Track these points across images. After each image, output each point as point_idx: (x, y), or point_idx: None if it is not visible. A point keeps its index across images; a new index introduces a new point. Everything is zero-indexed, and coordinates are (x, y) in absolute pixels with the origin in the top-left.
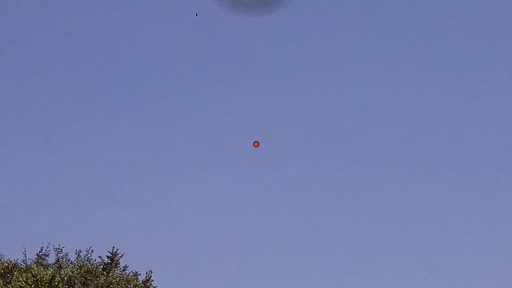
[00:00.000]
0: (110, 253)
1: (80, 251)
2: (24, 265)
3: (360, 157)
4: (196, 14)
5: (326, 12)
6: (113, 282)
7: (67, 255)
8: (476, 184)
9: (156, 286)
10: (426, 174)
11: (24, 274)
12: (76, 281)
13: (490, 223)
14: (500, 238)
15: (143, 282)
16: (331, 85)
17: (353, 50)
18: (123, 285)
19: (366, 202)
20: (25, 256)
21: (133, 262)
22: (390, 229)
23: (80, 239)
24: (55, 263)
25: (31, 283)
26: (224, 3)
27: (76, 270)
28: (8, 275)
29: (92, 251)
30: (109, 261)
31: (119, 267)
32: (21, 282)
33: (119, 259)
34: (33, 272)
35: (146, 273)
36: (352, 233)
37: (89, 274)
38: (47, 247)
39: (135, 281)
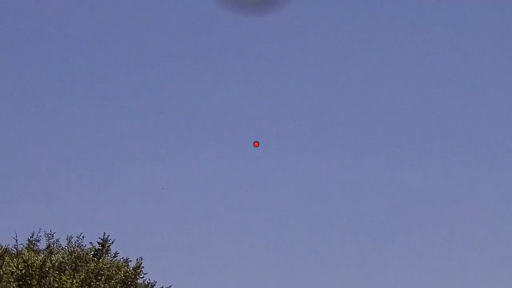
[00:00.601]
0: (101, 239)
1: (71, 237)
2: (15, 250)
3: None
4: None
5: (326, 12)
6: (104, 268)
7: (58, 241)
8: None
9: (147, 273)
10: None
11: (15, 259)
12: (67, 266)
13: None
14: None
15: (134, 269)
16: (331, 85)
17: (352, 49)
18: (114, 271)
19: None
20: (16, 241)
21: (124, 249)
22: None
23: (72, 225)
24: (46, 248)
25: (21, 268)
26: (223, 3)
27: (67, 256)
28: None
29: (83, 237)
30: (99, 247)
31: (109, 253)
32: (12, 267)
33: (109, 245)
34: (24, 257)
35: (137, 259)
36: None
37: (79, 260)
38: (38, 232)
39: (126, 267)
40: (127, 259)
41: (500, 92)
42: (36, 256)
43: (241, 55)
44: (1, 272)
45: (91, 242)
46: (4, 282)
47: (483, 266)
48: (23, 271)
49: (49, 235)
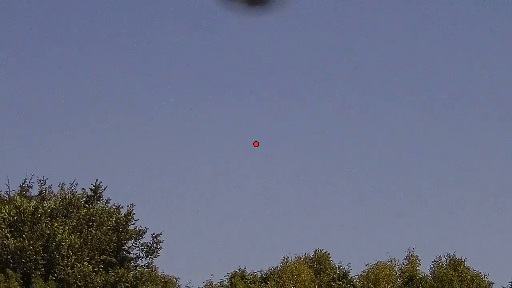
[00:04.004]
0: (93, 186)
1: (63, 184)
2: (7, 196)
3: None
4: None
5: (326, 11)
6: (95, 215)
7: (50, 187)
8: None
9: (138, 219)
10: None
11: (7, 205)
12: (58, 213)
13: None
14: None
15: (125, 215)
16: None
17: (351, 49)
18: (105, 217)
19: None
20: (8, 187)
21: (115, 196)
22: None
23: (64, 171)
24: (38, 195)
25: (13, 214)
26: (223, 3)
27: (59, 202)
28: None
29: (76, 184)
30: (91, 194)
31: (101, 200)
32: (4, 214)
33: (102, 192)
34: (16, 203)
35: (128, 206)
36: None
37: (71, 206)
38: (31, 179)
39: (117, 214)
40: (118, 205)
41: None
42: (28, 203)
43: (241, 55)
44: None
45: (83, 189)
46: None
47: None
48: (15, 217)
49: (42, 182)
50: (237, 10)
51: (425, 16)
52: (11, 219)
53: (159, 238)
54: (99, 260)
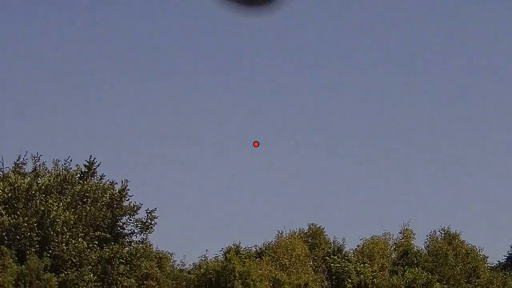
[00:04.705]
0: (87, 162)
1: (58, 160)
2: (1, 173)
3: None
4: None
5: (326, 11)
6: (89, 191)
7: (45, 164)
8: None
9: (132, 195)
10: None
11: (1, 182)
12: (53, 189)
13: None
14: None
15: (119, 191)
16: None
17: (351, 49)
18: (99, 194)
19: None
20: (2, 164)
21: (109, 172)
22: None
23: (59, 148)
24: (33, 171)
25: (8, 191)
26: (223, 3)
27: (53, 179)
28: None
29: (70, 161)
30: (86, 170)
31: (95, 176)
32: None
33: (96, 168)
34: (10, 180)
35: (122, 182)
36: None
37: (65, 183)
38: (25, 155)
39: (111, 190)
40: (112, 182)
41: None
42: (23, 179)
43: (240, 54)
44: None
45: (77, 165)
46: None
47: None
48: (10, 194)
49: (36, 158)
50: (237, 10)
51: (425, 15)
52: (5, 196)
53: (153, 214)
54: (93, 236)
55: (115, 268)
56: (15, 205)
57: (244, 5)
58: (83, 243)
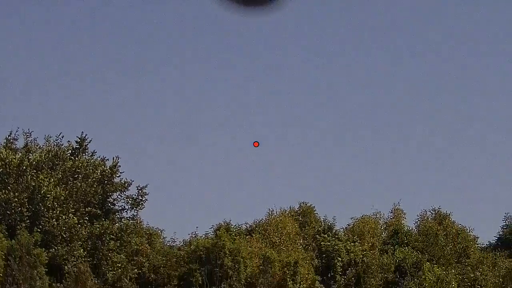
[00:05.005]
0: (79, 138)
1: (49, 137)
2: None
3: None
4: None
5: (325, 11)
6: (81, 167)
7: (36, 140)
8: None
9: (123, 172)
10: None
11: None
12: (44, 165)
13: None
14: None
15: (110, 168)
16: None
17: (350, 48)
18: (90, 170)
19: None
20: None
21: (101, 148)
22: None
23: (50, 124)
24: (24, 147)
25: None
26: (222, 3)
27: (45, 155)
28: None
29: (62, 137)
30: (77, 146)
31: (87, 152)
32: None
33: (87, 144)
34: (1, 156)
35: (113, 159)
36: None
37: (56, 159)
38: (16, 131)
39: (102, 166)
40: (104, 158)
41: None
42: (14, 155)
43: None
44: None
45: (69, 141)
46: None
47: None
48: (0, 170)
49: (27, 134)
50: (237, 10)
51: (425, 15)
52: None
53: (144, 191)
54: (84, 212)
55: (105, 244)
56: (6, 180)
57: (244, 5)
58: (74, 218)
